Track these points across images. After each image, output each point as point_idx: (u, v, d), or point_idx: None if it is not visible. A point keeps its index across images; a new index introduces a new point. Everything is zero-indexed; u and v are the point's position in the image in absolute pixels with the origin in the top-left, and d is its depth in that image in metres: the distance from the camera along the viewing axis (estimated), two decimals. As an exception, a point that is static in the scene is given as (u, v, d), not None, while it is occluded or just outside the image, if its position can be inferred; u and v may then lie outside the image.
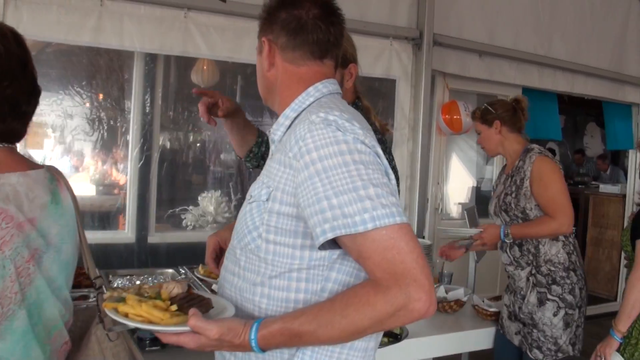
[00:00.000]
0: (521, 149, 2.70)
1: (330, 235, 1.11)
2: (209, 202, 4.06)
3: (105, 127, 3.76)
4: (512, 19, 4.73)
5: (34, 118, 1.37)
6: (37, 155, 3.65)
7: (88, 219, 3.71)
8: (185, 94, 4.12)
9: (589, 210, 7.14)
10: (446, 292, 2.95)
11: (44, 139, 3.72)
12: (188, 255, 3.13)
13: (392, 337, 2.33)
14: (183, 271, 2.66)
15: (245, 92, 4.40)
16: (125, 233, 3.79)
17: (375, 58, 4.13)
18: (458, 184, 5.69)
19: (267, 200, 1.23)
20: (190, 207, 4.03)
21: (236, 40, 3.52)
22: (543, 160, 2.58)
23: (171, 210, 4.01)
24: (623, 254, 2.87)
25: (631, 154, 6.37)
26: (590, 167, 10.11)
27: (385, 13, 4.15)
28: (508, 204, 2.66)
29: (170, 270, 2.75)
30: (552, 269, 2.57)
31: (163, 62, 3.84)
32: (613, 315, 2.43)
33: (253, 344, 1.14)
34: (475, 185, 5.68)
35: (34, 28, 3.04)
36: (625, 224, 3.43)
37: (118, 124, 3.79)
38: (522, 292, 2.63)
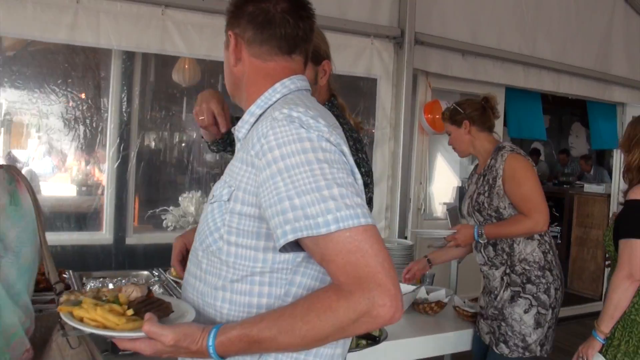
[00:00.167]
0: (492, 148, 2.65)
1: (291, 237, 1.06)
2: (189, 202, 3.99)
3: (82, 127, 3.69)
4: (496, 18, 4.72)
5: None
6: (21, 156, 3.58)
7: (65, 220, 3.64)
8: (165, 92, 4.06)
9: (573, 210, 7.17)
10: (427, 293, 2.90)
11: (27, 139, 3.65)
12: (166, 257, 3.05)
13: (371, 339, 2.27)
14: (156, 273, 2.61)
15: (227, 91, 4.34)
16: (103, 234, 3.72)
17: (356, 57, 4.10)
18: (442, 183, 5.68)
19: (229, 200, 1.19)
20: (171, 208, 3.96)
21: (214, 38, 3.47)
22: (515, 157, 2.54)
23: (151, 211, 3.94)
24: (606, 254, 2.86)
25: (616, 153, 6.39)
26: (575, 166, 10.17)
27: (366, 11, 4.12)
28: (481, 203, 2.61)
29: (146, 272, 2.68)
30: (527, 267, 2.52)
31: (141, 60, 3.78)
32: (597, 315, 2.40)
33: (211, 351, 1.09)
34: (459, 185, 5.67)
35: (10, 25, 2.99)
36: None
37: (94, 123, 3.72)
38: (496, 292, 2.58)
